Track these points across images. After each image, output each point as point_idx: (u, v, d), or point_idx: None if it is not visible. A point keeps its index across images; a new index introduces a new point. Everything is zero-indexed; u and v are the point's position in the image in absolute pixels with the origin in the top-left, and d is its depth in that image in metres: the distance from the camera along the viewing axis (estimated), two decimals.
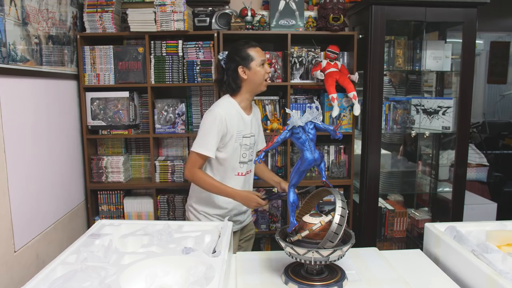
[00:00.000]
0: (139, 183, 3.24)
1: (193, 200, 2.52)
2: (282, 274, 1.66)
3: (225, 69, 2.44)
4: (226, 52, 2.49)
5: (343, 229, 1.49)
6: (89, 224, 3.10)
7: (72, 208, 2.90)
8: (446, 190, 3.45)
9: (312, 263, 1.53)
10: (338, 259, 1.54)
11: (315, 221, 1.57)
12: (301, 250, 1.49)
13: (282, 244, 1.56)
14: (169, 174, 3.18)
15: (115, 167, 3.16)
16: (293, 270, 1.67)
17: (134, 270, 1.50)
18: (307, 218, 1.60)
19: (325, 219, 1.57)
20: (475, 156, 4.55)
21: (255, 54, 2.37)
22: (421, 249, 2.01)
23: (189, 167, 2.36)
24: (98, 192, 3.21)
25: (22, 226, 2.21)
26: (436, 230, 1.90)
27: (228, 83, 2.41)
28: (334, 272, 1.65)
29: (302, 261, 1.55)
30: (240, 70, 2.38)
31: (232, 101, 2.42)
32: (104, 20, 3.03)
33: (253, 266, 1.78)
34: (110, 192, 3.20)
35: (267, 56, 3.17)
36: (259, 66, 2.37)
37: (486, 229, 1.86)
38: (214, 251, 1.65)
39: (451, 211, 3.19)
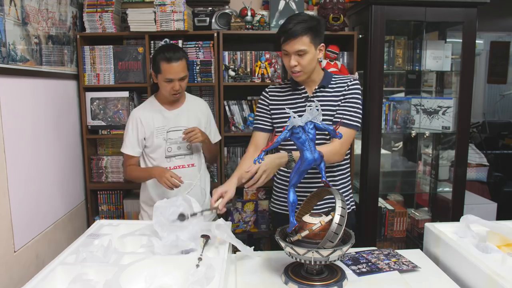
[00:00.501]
0: (139, 183, 3.19)
1: (141, 200, 2.63)
2: (282, 274, 1.66)
3: None
4: (166, 43, 2.55)
5: (343, 229, 1.48)
6: (89, 224, 3.10)
7: (72, 208, 2.89)
8: (446, 190, 3.44)
9: (312, 263, 1.52)
10: (338, 259, 1.54)
11: (315, 221, 1.56)
12: (301, 250, 1.49)
13: (282, 244, 1.55)
14: None
15: (115, 167, 3.16)
16: (293, 270, 1.67)
17: (133, 270, 1.50)
18: (307, 218, 1.59)
19: (325, 219, 1.56)
20: (475, 156, 4.55)
21: (165, 69, 2.31)
22: (421, 249, 2.00)
23: (123, 166, 2.58)
24: (98, 192, 3.20)
25: (22, 226, 2.21)
26: (436, 230, 1.90)
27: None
28: (334, 272, 1.65)
29: (302, 261, 1.54)
30: (152, 73, 2.42)
31: (152, 100, 2.51)
32: (104, 20, 3.03)
33: (253, 266, 1.77)
34: (110, 192, 3.20)
35: (267, 56, 3.17)
36: (164, 82, 2.34)
37: (486, 229, 1.85)
38: (200, 260, 1.58)
39: (451, 211, 3.19)
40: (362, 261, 1.81)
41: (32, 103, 2.40)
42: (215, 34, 3.06)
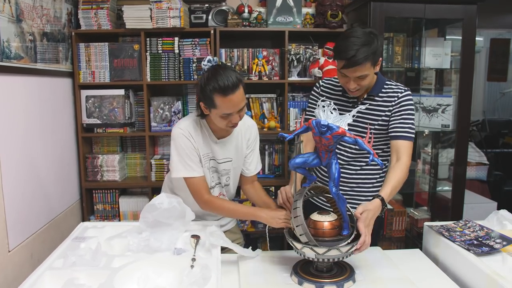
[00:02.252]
0: (135, 182, 3.23)
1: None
2: (292, 275, 1.65)
3: (197, 84, 1.93)
4: (210, 63, 1.88)
5: None
6: None
7: (67, 207, 2.88)
8: (445, 189, 3.43)
9: (331, 260, 1.54)
10: (350, 254, 1.56)
11: (323, 219, 1.58)
12: (320, 250, 1.50)
13: (298, 245, 1.55)
14: (165, 173, 3.16)
15: (111, 165, 3.15)
16: (302, 270, 1.66)
17: (126, 273, 1.48)
18: (315, 216, 1.60)
19: (332, 217, 1.59)
20: (474, 154, 4.52)
21: (222, 105, 1.80)
22: (420, 249, 2.00)
23: (197, 197, 1.95)
24: (93, 191, 3.19)
25: (16, 225, 2.19)
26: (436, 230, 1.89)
27: (196, 103, 1.97)
28: (343, 268, 1.66)
29: (316, 259, 1.54)
30: (201, 105, 1.90)
31: (200, 121, 1.99)
32: (99, 17, 3.01)
33: (255, 266, 1.76)
34: (106, 191, 3.18)
35: (264, 53, 3.15)
36: (220, 117, 1.85)
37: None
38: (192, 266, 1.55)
39: (450, 210, 3.17)
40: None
41: (27, 101, 2.38)
42: (212, 31, 3.04)
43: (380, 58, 1.91)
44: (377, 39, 1.83)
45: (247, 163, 2.17)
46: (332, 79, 2.12)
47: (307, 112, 2.12)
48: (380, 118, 1.97)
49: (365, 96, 1.99)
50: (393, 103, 1.96)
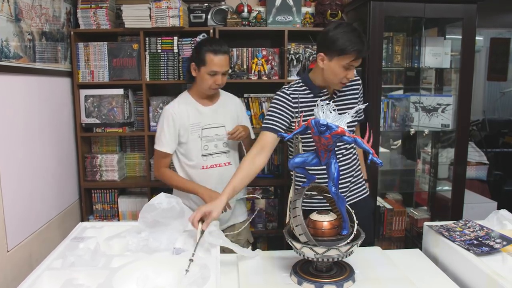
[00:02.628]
0: (134, 182, 3.23)
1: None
2: (292, 274, 1.64)
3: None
4: (203, 37, 2.50)
5: None
6: None
7: (66, 207, 2.87)
8: (445, 188, 3.42)
9: (330, 260, 1.53)
10: (350, 254, 1.57)
11: (322, 219, 1.57)
12: (320, 250, 1.50)
13: (297, 245, 1.55)
14: None
15: (110, 165, 3.14)
16: (302, 269, 1.66)
17: (125, 273, 1.48)
18: (314, 216, 1.60)
19: (332, 216, 1.59)
20: (474, 154, 4.51)
21: (211, 61, 2.27)
22: (420, 249, 1.99)
23: (156, 167, 2.45)
24: (92, 191, 3.18)
25: (15, 225, 2.19)
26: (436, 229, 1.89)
27: (186, 70, 2.41)
28: (342, 268, 1.66)
29: (315, 259, 1.54)
30: (192, 66, 2.36)
31: (186, 95, 2.43)
32: (98, 16, 3.01)
33: (255, 266, 1.76)
34: (105, 191, 3.17)
35: (263, 53, 3.14)
36: (208, 74, 2.29)
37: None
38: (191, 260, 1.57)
39: (450, 210, 3.16)
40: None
41: (25, 101, 2.38)
42: (211, 31, 3.03)
43: None
44: None
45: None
46: (292, 85, 2.15)
47: (269, 122, 2.09)
48: (354, 105, 2.13)
49: (336, 91, 2.14)
50: (359, 91, 2.22)
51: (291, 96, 2.09)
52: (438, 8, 2.96)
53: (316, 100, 2.00)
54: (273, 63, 3.19)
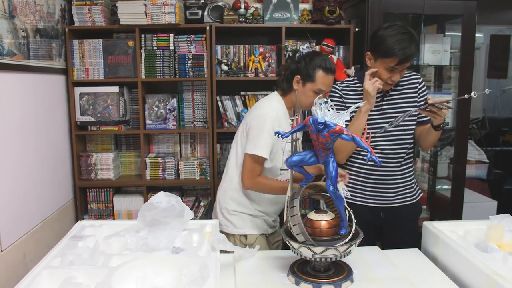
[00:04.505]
0: (129, 181, 3.22)
1: (227, 202, 2.32)
2: (289, 274, 1.63)
3: (291, 63, 2.26)
4: (308, 50, 2.44)
5: None
6: None
7: (61, 207, 2.86)
8: (445, 187, 3.42)
9: (328, 260, 1.52)
10: (349, 254, 1.56)
11: (320, 218, 1.56)
12: (317, 249, 1.48)
13: (295, 245, 1.53)
14: (160, 171, 3.15)
15: (105, 164, 3.12)
16: (299, 269, 1.64)
17: (124, 272, 1.46)
18: (312, 215, 1.59)
19: (330, 216, 1.58)
20: (474, 152, 4.49)
21: (320, 81, 2.12)
22: (419, 248, 1.98)
23: (248, 175, 2.17)
24: (87, 190, 3.17)
25: (9, 225, 2.18)
26: (435, 229, 1.87)
27: (283, 79, 2.25)
28: (341, 268, 1.64)
29: (313, 259, 1.52)
30: (295, 78, 2.18)
31: (280, 101, 2.26)
32: (93, 13, 2.99)
33: (252, 266, 1.75)
34: (100, 190, 3.15)
35: (261, 50, 3.12)
36: (313, 92, 2.14)
37: (486, 228, 1.81)
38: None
39: (450, 209, 3.15)
40: None
41: (19, 99, 2.36)
42: (208, 28, 3.01)
43: None
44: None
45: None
46: (344, 82, 2.22)
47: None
48: (411, 104, 2.11)
49: (390, 88, 2.11)
50: (418, 90, 2.15)
51: (342, 91, 2.17)
52: (438, 5, 2.96)
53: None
54: (270, 61, 3.17)
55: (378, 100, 2.10)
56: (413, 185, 2.25)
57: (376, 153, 2.09)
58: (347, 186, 2.19)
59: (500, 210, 3.61)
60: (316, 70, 2.12)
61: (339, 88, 2.18)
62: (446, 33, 3.35)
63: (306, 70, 2.14)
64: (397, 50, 1.89)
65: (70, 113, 3.04)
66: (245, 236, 2.24)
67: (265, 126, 2.13)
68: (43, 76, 2.67)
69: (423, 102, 2.10)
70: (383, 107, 2.12)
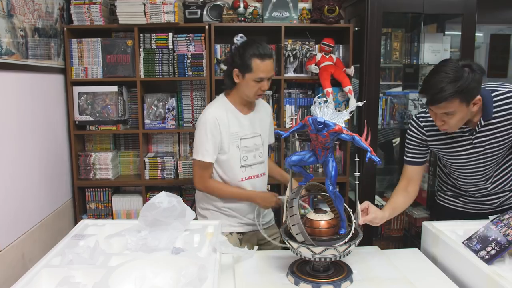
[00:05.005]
0: (128, 180, 3.20)
1: (200, 198, 2.41)
2: (289, 275, 1.63)
3: (227, 58, 2.29)
4: (243, 38, 2.35)
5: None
6: (76, 222, 3.04)
7: (59, 206, 2.85)
8: None
9: (328, 260, 1.52)
10: (348, 254, 1.56)
11: (319, 218, 1.57)
12: (317, 249, 1.49)
13: (294, 245, 1.54)
14: (159, 171, 3.14)
15: (103, 163, 3.11)
16: (299, 269, 1.64)
17: (122, 272, 1.46)
18: (311, 215, 1.59)
19: (329, 216, 1.58)
20: None
21: (257, 67, 2.12)
22: (419, 248, 1.98)
23: (197, 179, 2.25)
24: (86, 190, 3.16)
25: (7, 224, 2.17)
26: (435, 229, 1.87)
27: (225, 75, 2.28)
28: (340, 268, 1.64)
29: (313, 259, 1.52)
30: (234, 72, 2.19)
31: (225, 101, 2.26)
32: (92, 12, 2.97)
33: (251, 267, 1.75)
34: (98, 190, 3.15)
35: None
36: (254, 81, 2.15)
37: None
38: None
39: None
40: (490, 238, 1.62)
41: (18, 98, 2.35)
42: (207, 27, 3.00)
43: (478, 96, 1.76)
44: (471, 73, 1.69)
45: (270, 136, 2.47)
46: (425, 114, 2.03)
47: (408, 155, 2.09)
48: (501, 139, 1.90)
49: (481, 123, 1.88)
50: (506, 125, 1.87)
51: (425, 129, 2.02)
52: (437, 4, 2.95)
53: (454, 133, 1.93)
54: None
55: (467, 135, 1.92)
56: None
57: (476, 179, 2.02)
58: (448, 192, 2.20)
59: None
60: (251, 59, 2.11)
61: (419, 122, 2.04)
62: (446, 32, 3.35)
63: (241, 62, 2.14)
64: (427, 88, 1.77)
65: (69, 113, 3.03)
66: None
67: (202, 131, 2.17)
68: (42, 75, 2.66)
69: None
70: (473, 142, 1.93)
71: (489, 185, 2.05)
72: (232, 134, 2.22)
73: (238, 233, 2.33)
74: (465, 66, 1.70)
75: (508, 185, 2.07)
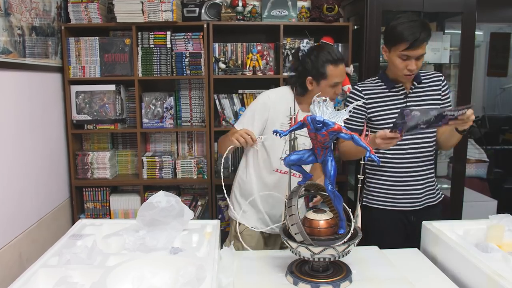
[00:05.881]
0: (126, 180, 3.19)
1: (235, 186, 2.41)
2: (287, 274, 1.62)
3: (298, 66, 2.20)
4: (308, 44, 2.24)
5: None
6: (74, 222, 3.03)
7: (56, 206, 2.84)
8: (444, 186, 3.39)
9: (327, 260, 1.52)
10: (347, 253, 1.55)
11: (318, 218, 1.56)
12: (316, 249, 1.48)
13: (293, 244, 1.53)
14: (157, 170, 3.13)
15: (101, 163, 3.10)
16: (298, 269, 1.64)
17: (120, 272, 1.44)
18: (310, 215, 1.58)
19: (328, 215, 1.58)
20: (474, 151, 4.47)
21: (332, 73, 2.10)
22: (419, 248, 1.96)
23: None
24: (83, 189, 3.15)
25: (4, 224, 2.17)
26: (434, 229, 1.85)
27: (295, 83, 2.22)
28: (339, 268, 1.63)
29: (312, 259, 1.52)
30: (308, 80, 2.14)
31: (290, 93, 2.23)
32: (89, 10, 2.96)
33: (250, 266, 1.74)
34: (96, 189, 3.14)
35: (258, 48, 3.10)
36: (330, 87, 2.13)
37: (486, 228, 1.80)
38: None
39: (449, 208, 3.12)
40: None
41: (15, 97, 2.34)
42: (205, 25, 2.99)
43: None
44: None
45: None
46: (365, 82, 2.25)
47: (349, 123, 2.18)
48: (434, 103, 2.16)
49: (412, 86, 2.16)
50: (441, 87, 2.19)
51: (363, 92, 2.20)
52: (437, 2, 2.94)
53: (391, 95, 2.16)
54: (268, 59, 3.15)
55: (402, 97, 2.15)
56: (435, 185, 2.29)
57: (403, 152, 2.16)
58: (374, 191, 2.23)
59: (500, 210, 3.59)
60: (325, 66, 2.09)
61: (359, 89, 2.21)
62: (446, 31, 3.34)
63: (315, 69, 2.10)
64: (406, 34, 1.96)
65: (66, 112, 3.02)
66: (238, 223, 2.20)
67: (252, 106, 2.23)
68: (39, 74, 2.66)
69: (447, 102, 2.20)
70: (407, 104, 2.15)
71: (419, 171, 2.19)
72: (283, 124, 2.17)
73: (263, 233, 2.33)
74: (419, 15, 2.10)
75: (432, 176, 2.25)
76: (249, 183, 2.30)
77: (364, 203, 2.30)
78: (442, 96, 2.19)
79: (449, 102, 2.22)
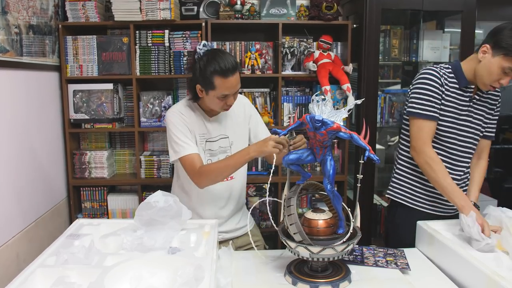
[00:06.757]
0: (124, 179, 3.18)
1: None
2: (286, 274, 1.63)
3: (190, 70, 2.09)
4: (206, 47, 2.01)
5: None
6: (72, 222, 3.02)
7: (54, 205, 2.83)
8: None
9: (326, 260, 1.52)
10: (346, 253, 1.56)
11: (317, 217, 1.56)
12: (315, 249, 1.48)
13: (292, 244, 1.53)
14: (155, 169, 3.12)
15: (99, 162, 3.09)
16: (296, 269, 1.64)
17: (118, 272, 1.44)
18: (309, 214, 1.59)
19: (327, 215, 1.58)
20: None
21: (220, 85, 1.90)
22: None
23: (192, 172, 1.98)
24: (81, 189, 3.13)
25: (1, 224, 2.16)
26: (430, 229, 1.87)
27: (188, 87, 2.16)
28: (338, 268, 1.64)
29: (311, 258, 1.52)
30: (197, 87, 1.99)
31: (191, 103, 2.10)
32: (87, 9, 2.94)
33: (248, 266, 1.76)
34: (94, 189, 3.12)
35: (257, 46, 3.09)
36: (218, 98, 1.95)
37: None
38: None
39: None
40: (357, 253, 1.83)
41: (12, 96, 2.33)
42: (203, 24, 2.98)
43: None
44: None
45: (261, 136, 2.19)
46: (443, 68, 2.06)
47: (427, 108, 2.02)
48: (487, 115, 2.10)
49: (479, 92, 2.06)
50: (497, 104, 2.12)
51: (442, 79, 2.02)
52: (437, 1, 2.95)
53: (459, 93, 2.02)
54: (267, 57, 3.13)
55: (467, 99, 2.03)
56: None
57: (450, 157, 2.09)
58: (418, 192, 2.19)
59: None
60: (213, 76, 1.89)
61: (441, 74, 2.03)
62: (446, 30, 3.35)
63: (203, 79, 1.93)
64: None
65: (64, 111, 3.01)
66: None
67: (176, 124, 2.02)
68: (36, 73, 2.64)
69: (494, 120, 2.14)
70: (470, 108, 2.05)
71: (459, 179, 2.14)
72: (198, 135, 2.08)
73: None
74: None
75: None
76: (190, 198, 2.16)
77: (398, 199, 2.24)
78: (494, 113, 2.11)
79: (495, 121, 2.14)
